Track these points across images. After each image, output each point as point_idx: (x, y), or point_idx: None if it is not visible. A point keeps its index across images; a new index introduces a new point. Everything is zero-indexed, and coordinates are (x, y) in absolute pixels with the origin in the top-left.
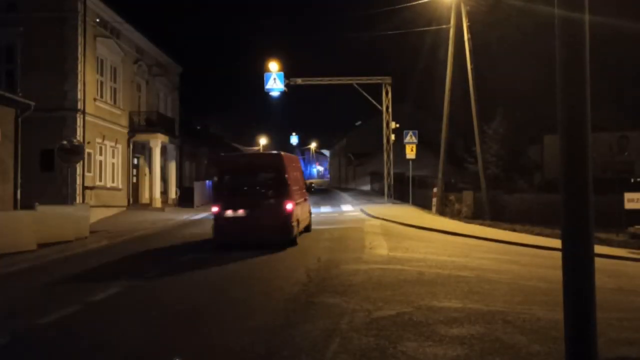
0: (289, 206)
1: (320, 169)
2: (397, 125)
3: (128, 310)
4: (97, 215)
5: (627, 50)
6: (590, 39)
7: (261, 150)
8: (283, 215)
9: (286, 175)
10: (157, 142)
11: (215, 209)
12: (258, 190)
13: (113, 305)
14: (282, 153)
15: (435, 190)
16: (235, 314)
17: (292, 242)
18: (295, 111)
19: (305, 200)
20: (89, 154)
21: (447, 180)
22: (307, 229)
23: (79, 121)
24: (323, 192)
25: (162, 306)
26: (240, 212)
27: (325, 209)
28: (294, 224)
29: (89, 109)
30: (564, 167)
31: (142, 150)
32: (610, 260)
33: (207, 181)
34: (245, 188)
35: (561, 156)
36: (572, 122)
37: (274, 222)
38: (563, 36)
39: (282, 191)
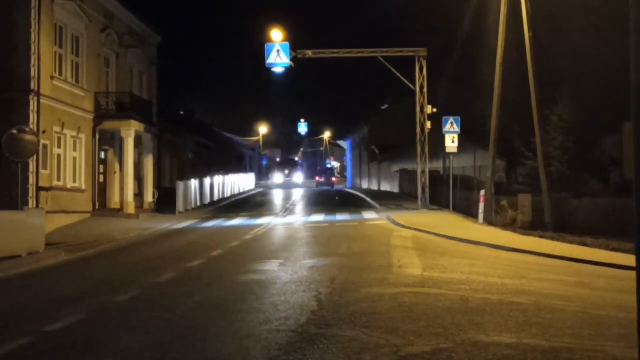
0: (334, 179)
1: (336, 164)
2: (435, 110)
3: (90, 343)
4: (55, 223)
5: None
6: None
7: (261, 141)
8: (332, 181)
9: (333, 170)
10: (130, 131)
11: (317, 178)
12: (326, 173)
13: (73, 336)
14: (334, 167)
15: (483, 193)
16: (224, 352)
17: (333, 188)
18: (304, 92)
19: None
20: (45, 147)
21: (499, 181)
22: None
23: (32, 105)
24: (338, 194)
25: (131, 339)
26: (323, 179)
27: (341, 217)
28: (335, 183)
29: (44, 89)
30: (637, 164)
31: (111, 142)
32: None
33: (194, 180)
34: (323, 173)
35: (635, 149)
36: None
37: (330, 182)
38: None
39: (331, 175)
